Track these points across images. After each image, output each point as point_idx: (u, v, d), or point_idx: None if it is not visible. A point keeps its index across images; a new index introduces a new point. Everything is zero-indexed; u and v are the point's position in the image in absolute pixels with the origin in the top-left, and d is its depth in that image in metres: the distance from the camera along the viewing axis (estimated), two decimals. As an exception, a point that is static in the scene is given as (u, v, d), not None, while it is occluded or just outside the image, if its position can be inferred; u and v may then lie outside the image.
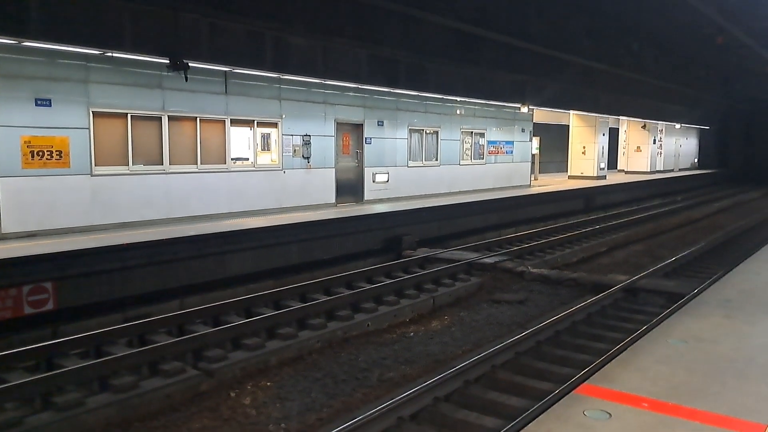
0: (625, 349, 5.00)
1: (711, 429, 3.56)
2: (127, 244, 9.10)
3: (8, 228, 9.49)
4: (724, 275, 8.16)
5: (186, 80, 9.68)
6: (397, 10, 11.07)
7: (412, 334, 8.22)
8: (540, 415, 3.73)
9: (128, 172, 10.94)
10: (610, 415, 3.64)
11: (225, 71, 11.87)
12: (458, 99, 17.80)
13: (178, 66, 9.37)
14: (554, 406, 3.84)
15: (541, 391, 5.68)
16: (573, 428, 3.55)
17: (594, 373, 4.46)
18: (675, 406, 3.78)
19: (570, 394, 4.01)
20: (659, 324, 5.78)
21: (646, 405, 3.80)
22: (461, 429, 5.14)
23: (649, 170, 30.82)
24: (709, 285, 7.79)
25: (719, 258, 12.71)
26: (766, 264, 8.87)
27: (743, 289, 7.10)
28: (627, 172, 31.07)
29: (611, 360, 4.71)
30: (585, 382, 4.18)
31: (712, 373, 4.40)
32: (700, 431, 3.56)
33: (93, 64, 10.25)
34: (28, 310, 7.77)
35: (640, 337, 5.39)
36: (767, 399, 3.93)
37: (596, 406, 3.75)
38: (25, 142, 9.51)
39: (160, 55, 9.50)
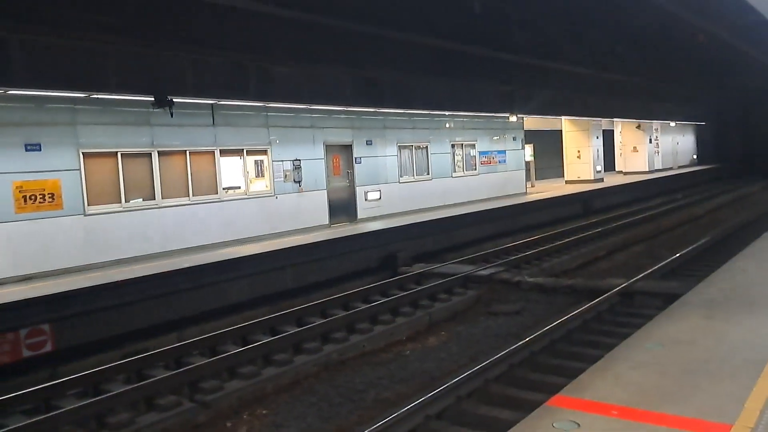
0: (601, 357, 5.04)
1: (676, 433, 3.60)
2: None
3: (4, 273, 9.60)
4: (709, 274, 8.13)
5: (171, 116, 9.91)
6: (373, 33, 11.25)
7: (408, 352, 8.23)
8: (509, 429, 3.79)
9: (121, 209, 11.09)
10: (578, 425, 3.69)
11: (211, 103, 12.03)
12: (446, 113, 17.92)
13: (162, 103, 9.59)
14: (525, 419, 3.90)
15: (532, 402, 5.70)
16: (541, 440, 3.61)
17: (567, 384, 4.51)
18: (644, 412, 3.83)
19: (542, 405, 4.07)
20: (639, 328, 5.81)
21: (615, 413, 3.85)
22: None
23: (647, 170, 30.80)
24: (694, 285, 7.77)
25: (719, 254, 12.58)
26: (752, 260, 8.82)
27: (726, 287, 7.08)
28: (625, 173, 31.05)
29: (586, 369, 4.74)
30: (558, 393, 4.24)
31: (684, 376, 4.43)
32: (666, 435, 3.60)
33: (80, 106, 10.42)
34: (26, 353, 7.89)
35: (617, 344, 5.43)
36: (736, 399, 3.97)
37: (566, 417, 3.81)
38: (17, 187, 9.67)
39: (144, 94, 9.71)
